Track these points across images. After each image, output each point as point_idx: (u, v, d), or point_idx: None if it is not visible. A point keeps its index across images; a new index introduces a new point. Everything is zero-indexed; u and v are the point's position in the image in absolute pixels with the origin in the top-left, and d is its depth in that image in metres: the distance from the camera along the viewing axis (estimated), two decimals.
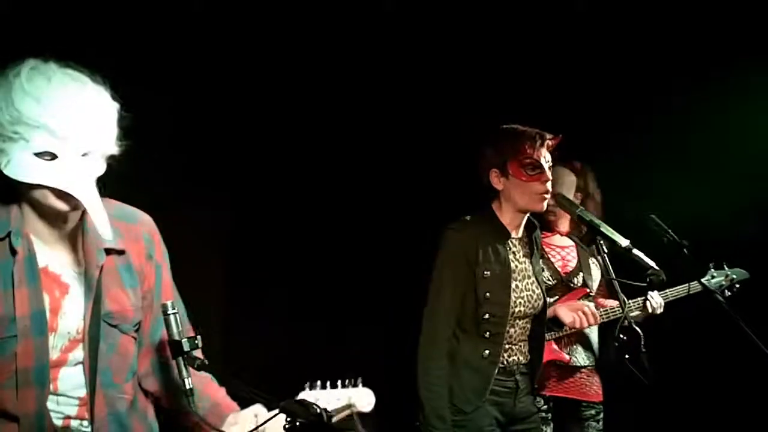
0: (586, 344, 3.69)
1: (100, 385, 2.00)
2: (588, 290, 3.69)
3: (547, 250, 3.71)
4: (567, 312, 3.44)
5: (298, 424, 1.91)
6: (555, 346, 3.58)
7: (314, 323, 4.12)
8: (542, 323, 3.18)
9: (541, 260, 3.67)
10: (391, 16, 4.08)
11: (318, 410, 1.97)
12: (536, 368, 3.15)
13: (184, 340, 1.97)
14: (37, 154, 1.86)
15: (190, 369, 1.97)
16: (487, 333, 3.00)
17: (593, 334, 3.71)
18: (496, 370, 3.02)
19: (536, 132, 3.01)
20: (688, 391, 4.20)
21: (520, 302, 3.04)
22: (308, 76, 4.01)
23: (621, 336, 3.32)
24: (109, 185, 2.00)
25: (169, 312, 2.00)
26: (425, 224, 3.33)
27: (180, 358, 1.98)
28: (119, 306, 2.05)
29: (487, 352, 3.00)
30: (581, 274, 3.70)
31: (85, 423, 2.00)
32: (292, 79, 3.99)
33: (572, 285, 3.68)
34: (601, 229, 3.00)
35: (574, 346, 3.65)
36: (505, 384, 3.05)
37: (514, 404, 3.07)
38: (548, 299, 3.61)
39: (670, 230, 3.59)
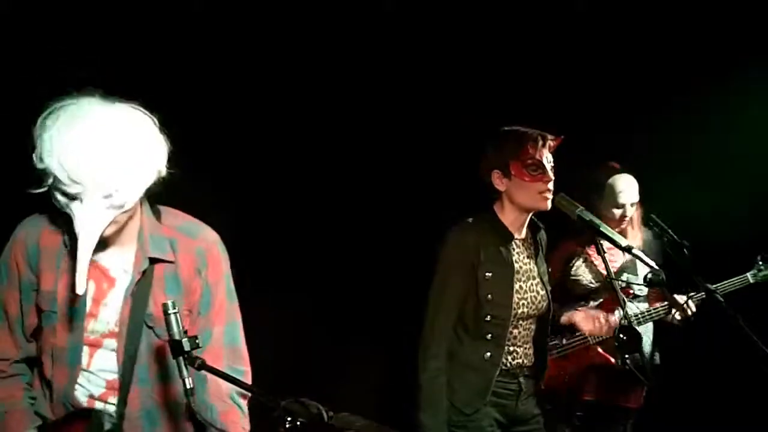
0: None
1: (136, 381, 2.16)
2: (632, 292, 3.68)
3: (590, 253, 3.70)
4: (585, 321, 3.42)
5: (298, 423, 1.91)
6: (601, 350, 3.57)
7: (315, 323, 4.12)
8: (546, 325, 3.18)
9: (583, 264, 3.68)
10: (391, 16, 4.08)
11: (318, 410, 1.97)
12: (542, 369, 3.15)
13: (185, 340, 1.99)
14: (63, 194, 2.00)
15: (223, 387, 2.09)
16: (489, 335, 3.00)
17: (647, 336, 3.68)
18: (498, 372, 3.02)
19: (538, 133, 3.01)
20: (690, 391, 4.21)
21: (523, 303, 3.03)
22: (309, 76, 4.01)
23: (621, 336, 3.32)
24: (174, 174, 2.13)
25: (169, 312, 2.02)
26: (427, 225, 3.33)
27: (180, 358, 1.98)
28: (158, 310, 2.12)
29: (488, 353, 3.00)
30: (625, 274, 3.68)
31: (110, 407, 2.15)
32: (292, 79, 3.99)
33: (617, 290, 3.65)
34: (601, 229, 3.00)
35: None
36: (507, 386, 3.05)
37: (516, 406, 3.07)
38: (591, 303, 3.63)
39: (670, 230, 3.59)
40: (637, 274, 3.69)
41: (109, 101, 2.08)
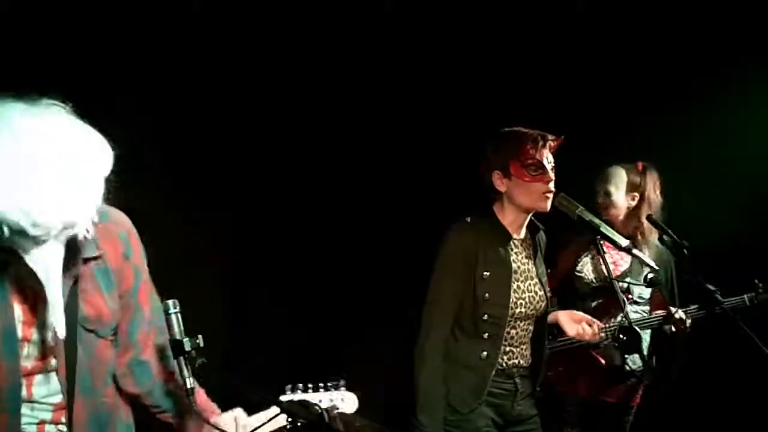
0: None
1: (80, 391, 1.97)
2: (631, 297, 3.67)
3: (605, 249, 3.70)
4: (570, 323, 3.39)
5: (298, 424, 1.91)
6: (593, 351, 3.58)
7: (315, 323, 4.12)
8: (544, 325, 3.17)
9: (591, 260, 3.67)
10: (391, 16, 4.08)
11: (318, 410, 1.97)
12: (538, 370, 3.15)
13: (186, 340, 1.97)
14: (12, 231, 1.78)
15: (172, 366, 1.96)
16: (486, 334, 3.00)
17: (645, 336, 3.68)
18: (494, 372, 3.01)
19: (538, 133, 3.01)
20: (690, 391, 4.21)
21: (520, 303, 3.03)
22: (309, 76, 4.01)
23: (621, 336, 3.32)
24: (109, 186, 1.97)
25: (170, 311, 2.00)
26: (426, 225, 3.33)
27: (181, 358, 1.97)
28: (96, 311, 2.00)
29: (485, 353, 3.00)
30: (628, 279, 3.67)
31: (62, 427, 1.98)
32: (292, 79, 3.99)
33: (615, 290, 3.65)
34: (602, 229, 3.00)
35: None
36: (503, 386, 3.05)
37: (512, 407, 3.07)
38: (591, 302, 3.63)
39: (669, 230, 3.59)
40: (640, 280, 3.69)
41: (33, 107, 1.83)
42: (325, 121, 4.08)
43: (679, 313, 3.56)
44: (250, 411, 2.23)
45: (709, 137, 4.26)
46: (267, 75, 3.95)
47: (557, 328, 3.48)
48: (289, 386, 2.08)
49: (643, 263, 3.03)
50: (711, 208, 4.17)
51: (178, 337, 1.98)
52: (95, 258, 1.99)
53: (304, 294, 4.06)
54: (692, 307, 3.62)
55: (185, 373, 1.97)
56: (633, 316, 3.64)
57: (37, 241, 1.81)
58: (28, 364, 1.93)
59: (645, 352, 3.67)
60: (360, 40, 4.07)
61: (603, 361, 3.62)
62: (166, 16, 3.61)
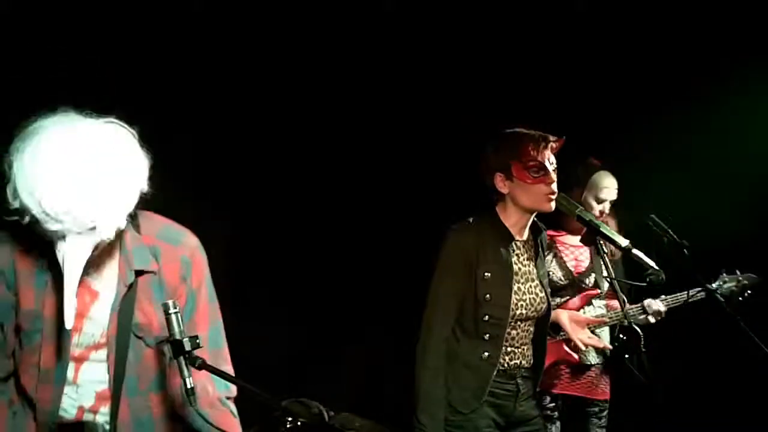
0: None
1: (126, 391, 2.12)
2: (599, 291, 3.69)
3: (560, 248, 3.72)
4: (569, 321, 3.43)
5: (299, 424, 1.91)
6: (566, 347, 3.58)
7: (315, 323, 4.12)
8: (545, 327, 3.17)
9: (554, 259, 3.68)
10: (391, 16, 4.08)
11: (319, 410, 1.97)
12: (539, 370, 3.15)
13: (186, 340, 1.99)
14: (40, 227, 1.93)
15: (213, 393, 2.07)
16: (487, 335, 3.00)
17: (604, 333, 3.71)
18: (495, 372, 3.01)
19: (539, 134, 3.00)
20: (691, 391, 4.21)
21: (521, 304, 3.03)
22: (309, 76, 4.01)
23: (621, 336, 3.33)
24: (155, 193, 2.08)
25: (170, 311, 2.02)
26: (428, 226, 3.33)
27: (181, 358, 1.98)
28: (147, 319, 2.14)
29: (486, 353, 3.00)
30: (593, 274, 3.70)
31: (99, 417, 2.12)
32: (292, 79, 3.99)
33: (584, 285, 3.68)
34: (601, 229, 3.00)
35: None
36: (504, 387, 3.04)
37: (514, 408, 3.06)
38: (559, 299, 3.63)
39: (669, 230, 3.59)
40: (603, 274, 3.71)
41: (81, 120, 1.98)
42: (325, 121, 4.08)
43: (658, 304, 3.60)
44: (250, 411, 2.24)
45: (709, 137, 4.26)
46: (267, 75, 3.95)
47: (552, 328, 3.50)
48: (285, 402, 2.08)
49: (643, 263, 3.02)
50: (711, 207, 4.17)
51: (178, 337, 2.00)
52: (151, 272, 2.15)
53: (304, 294, 4.06)
54: (664, 297, 3.64)
55: (185, 373, 1.99)
56: (597, 311, 3.66)
57: (60, 236, 1.93)
58: (77, 351, 2.11)
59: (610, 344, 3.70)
60: (360, 40, 4.07)
61: (576, 356, 3.63)
62: (166, 16, 3.61)
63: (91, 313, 2.10)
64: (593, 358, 3.69)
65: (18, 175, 1.90)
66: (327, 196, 4.12)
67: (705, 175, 4.28)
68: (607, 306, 3.75)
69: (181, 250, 2.21)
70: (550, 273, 3.75)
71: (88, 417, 2.12)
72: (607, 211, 3.80)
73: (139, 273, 2.13)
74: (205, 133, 3.83)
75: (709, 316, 3.52)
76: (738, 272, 3.78)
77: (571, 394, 3.70)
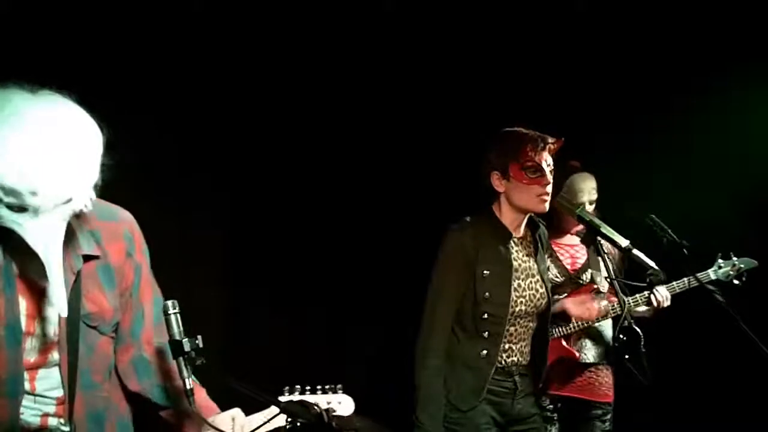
0: (599, 341, 3.69)
1: (80, 385, 2.02)
2: (596, 286, 3.69)
3: (555, 249, 3.72)
4: (575, 305, 3.46)
5: (298, 424, 1.91)
6: (564, 343, 3.58)
7: (315, 323, 4.12)
8: (546, 322, 3.18)
9: (549, 258, 3.69)
10: (391, 16, 4.08)
11: (318, 410, 1.97)
12: (540, 367, 3.15)
13: (185, 340, 1.98)
14: (9, 207, 1.83)
15: (172, 365, 1.99)
16: (486, 332, 3.00)
17: (606, 330, 3.70)
18: (493, 370, 3.02)
19: (538, 135, 3.01)
20: (691, 389, 4.21)
21: (521, 301, 3.03)
22: (309, 76, 4.01)
23: (621, 336, 3.32)
24: (108, 187, 1.99)
25: (170, 312, 2.01)
26: (427, 224, 3.33)
27: (181, 358, 1.98)
28: (98, 307, 2.05)
29: (485, 351, 3.01)
30: (590, 271, 3.71)
31: (63, 420, 2.02)
32: (292, 79, 3.99)
33: (581, 282, 3.68)
34: (601, 229, 3.00)
35: (584, 342, 3.66)
36: (502, 384, 3.05)
37: (512, 405, 3.07)
38: (557, 296, 3.63)
39: (669, 230, 3.59)
40: (600, 270, 3.70)
41: (35, 93, 1.89)
42: (325, 121, 4.08)
43: (663, 291, 3.60)
44: (250, 411, 2.24)
45: (709, 137, 4.26)
46: (267, 75, 3.95)
47: (560, 317, 3.51)
48: (287, 388, 2.08)
49: (643, 263, 3.02)
50: (711, 207, 4.17)
51: (177, 337, 1.99)
52: (97, 257, 2.04)
53: (304, 294, 4.06)
54: (676, 282, 3.64)
55: (185, 373, 1.99)
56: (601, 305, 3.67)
57: (36, 213, 1.83)
58: (31, 357, 1.97)
59: (609, 343, 3.69)
60: (360, 40, 4.07)
61: (577, 354, 3.63)
62: (166, 16, 3.61)
63: (42, 311, 1.97)
64: (592, 357, 3.69)
65: None
66: (327, 195, 4.12)
67: (705, 176, 4.28)
68: (608, 301, 3.74)
69: (122, 225, 2.12)
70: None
71: (52, 422, 2.01)
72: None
73: (86, 258, 2.02)
74: (205, 133, 3.83)
75: (709, 317, 3.53)
76: (734, 256, 3.77)
77: (572, 396, 3.69)
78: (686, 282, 3.63)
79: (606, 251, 3.12)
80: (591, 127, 4.16)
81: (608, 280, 3.43)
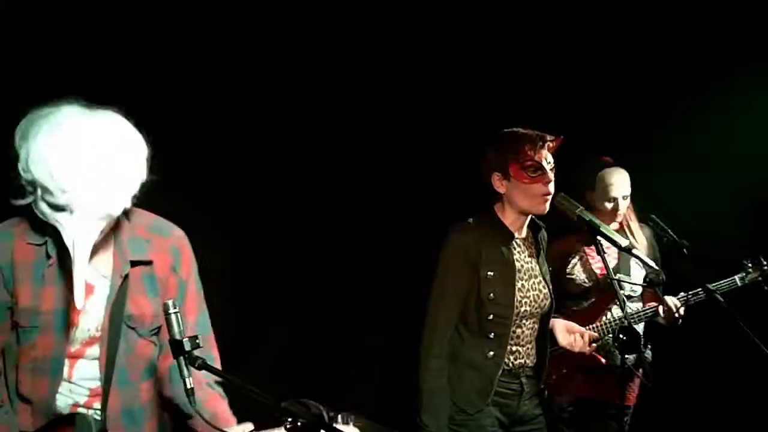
0: None
1: (117, 381, 2.17)
2: (609, 305, 3.68)
3: (587, 251, 3.70)
4: (564, 333, 3.37)
5: (299, 424, 1.91)
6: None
7: (315, 323, 4.12)
8: (548, 323, 3.17)
9: (579, 262, 3.69)
10: (391, 16, 4.08)
11: (319, 411, 1.97)
12: (543, 369, 3.15)
13: (185, 340, 1.99)
14: (50, 205, 2.01)
15: (198, 374, 2.04)
16: (492, 334, 3.00)
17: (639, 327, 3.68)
18: (500, 372, 3.01)
19: (536, 134, 3.00)
20: (692, 392, 4.22)
21: (525, 302, 3.03)
22: (309, 76, 4.01)
23: (621, 336, 3.32)
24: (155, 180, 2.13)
25: (170, 311, 2.02)
26: (429, 225, 3.33)
27: (181, 358, 1.99)
28: (139, 311, 2.20)
29: (491, 353, 3.00)
30: (618, 274, 3.67)
31: (91, 412, 2.17)
32: (292, 79, 3.99)
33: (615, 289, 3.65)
34: (601, 229, 3.00)
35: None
36: (509, 386, 3.05)
37: (518, 406, 3.07)
38: (584, 302, 3.63)
39: (669, 230, 3.59)
40: (629, 275, 3.69)
41: (89, 109, 2.09)
42: (325, 121, 4.08)
43: (672, 300, 3.57)
44: (250, 411, 2.24)
45: (709, 137, 4.26)
46: (267, 75, 3.95)
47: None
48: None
49: (642, 263, 3.02)
50: (711, 207, 4.17)
51: (177, 337, 2.00)
52: (145, 263, 2.22)
53: (304, 294, 4.06)
54: (683, 295, 3.62)
55: (185, 373, 2.00)
56: (628, 311, 3.65)
57: (71, 211, 2.00)
58: (72, 347, 2.15)
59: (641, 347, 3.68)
60: (360, 40, 4.07)
61: (603, 360, 3.63)
62: (166, 16, 3.61)
63: (87, 306, 2.13)
64: (629, 361, 3.66)
65: (32, 147, 1.98)
66: (327, 196, 4.12)
67: (705, 176, 4.28)
68: (644, 305, 3.72)
69: (170, 241, 2.29)
70: (574, 276, 3.75)
71: (81, 411, 2.16)
72: (621, 209, 3.75)
73: (134, 264, 2.19)
74: (205, 133, 3.83)
75: (710, 318, 3.53)
76: (764, 260, 3.66)
77: (595, 398, 3.67)
78: (700, 293, 3.56)
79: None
80: (591, 127, 4.16)
81: (608, 280, 3.43)
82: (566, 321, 3.40)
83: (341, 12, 3.99)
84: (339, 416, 2.05)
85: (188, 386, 2.00)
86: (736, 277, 3.62)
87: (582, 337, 3.33)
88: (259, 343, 3.97)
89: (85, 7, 3.38)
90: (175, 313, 2.02)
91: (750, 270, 3.65)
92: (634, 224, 3.81)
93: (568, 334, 3.34)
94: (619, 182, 3.75)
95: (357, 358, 4.24)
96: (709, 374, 4.31)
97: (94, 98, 2.16)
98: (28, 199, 2.02)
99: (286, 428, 1.94)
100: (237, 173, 3.94)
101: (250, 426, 2.17)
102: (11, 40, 3.25)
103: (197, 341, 2.01)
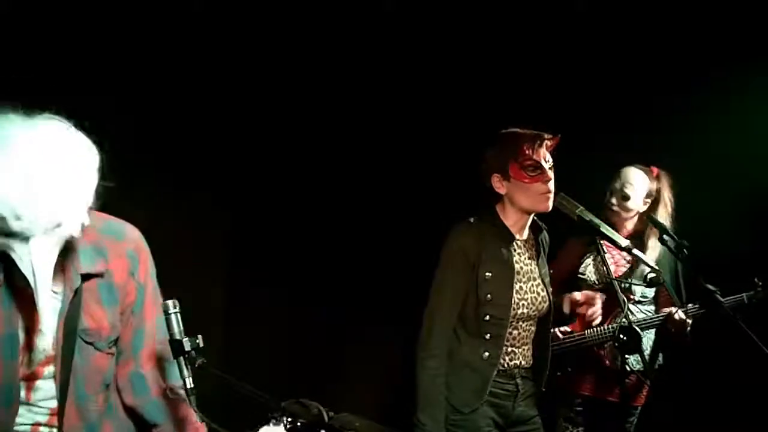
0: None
1: (73, 396, 2.06)
2: (632, 297, 3.67)
3: (606, 249, 3.69)
4: (567, 303, 3.44)
5: (298, 424, 1.91)
6: (597, 351, 3.59)
7: (315, 323, 4.12)
8: (548, 326, 3.17)
9: (592, 262, 3.68)
10: (391, 16, 4.08)
11: (318, 410, 1.97)
12: (543, 370, 3.15)
13: (186, 340, 1.99)
14: (1, 232, 1.84)
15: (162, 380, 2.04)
16: (488, 334, 3.00)
17: (645, 339, 3.67)
18: (495, 372, 3.01)
19: (535, 133, 3.01)
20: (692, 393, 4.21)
21: (523, 304, 3.03)
22: (309, 76, 4.01)
23: (621, 336, 3.32)
24: (109, 188, 2.01)
25: (170, 311, 2.01)
26: (429, 225, 3.33)
27: (181, 358, 1.99)
28: (96, 323, 2.08)
29: (486, 353, 3.00)
30: (630, 279, 3.67)
31: (54, 431, 2.06)
32: (292, 79, 3.99)
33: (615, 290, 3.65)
34: (602, 229, 3.00)
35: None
36: (504, 386, 3.05)
37: (514, 407, 3.07)
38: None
39: (669, 230, 3.59)
40: (641, 279, 3.69)
41: (29, 118, 1.91)
42: (325, 121, 4.08)
43: (679, 314, 3.56)
44: (250, 411, 2.24)
45: (709, 137, 4.26)
46: (267, 75, 3.95)
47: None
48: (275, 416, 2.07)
49: (642, 263, 3.02)
50: (711, 207, 4.17)
51: (177, 337, 2.00)
52: (98, 275, 2.07)
53: (304, 294, 4.06)
54: (691, 306, 3.62)
55: (185, 373, 1.99)
56: (638, 316, 3.64)
57: (25, 238, 1.85)
58: (28, 369, 2.02)
59: (648, 352, 3.67)
60: (360, 40, 4.07)
61: (607, 362, 3.63)
62: (166, 16, 3.61)
63: (41, 325, 1.98)
64: (632, 364, 3.66)
65: None
66: (327, 197, 4.12)
67: (705, 176, 4.27)
68: (658, 311, 3.73)
69: (126, 244, 2.14)
70: (586, 276, 3.75)
71: (43, 431, 2.07)
72: (631, 208, 3.76)
73: (85, 277, 2.05)
74: (205, 133, 3.83)
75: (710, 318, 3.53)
76: None
77: (601, 398, 3.68)
78: (699, 309, 3.57)
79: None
80: (591, 127, 4.16)
81: (608, 280, 3.43)
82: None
83: (341, 12, 3.99)
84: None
85: (188, 386, 1.99)
86: (744, 294, 3.61)
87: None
88: (259, 343, 3.97)
89: (85, 7, 3.38)
90: (174, 313, 2.01)
91: (759, 289, 3.63)
92: (653, 240, 3.78)
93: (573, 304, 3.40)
94: (628, 179, 3.75)
95: (357, 358, 4.24)
96: (709, 374, 4.31)
97: (94, 98, 2.15)
98: None
99: (286, 428, 1.94)
100: (237, 173, 3.94)
101: None
102: (11, 40, 3.24)
103: (197, 341, 2.00)
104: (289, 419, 1.96)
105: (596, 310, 3.55)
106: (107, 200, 2.08)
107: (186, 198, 3.76)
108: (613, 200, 3.76)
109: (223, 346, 3.75)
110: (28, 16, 3.29)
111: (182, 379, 1.99)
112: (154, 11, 3.57)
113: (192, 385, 2.00)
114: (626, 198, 3.75)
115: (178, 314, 2.02)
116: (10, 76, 3.11)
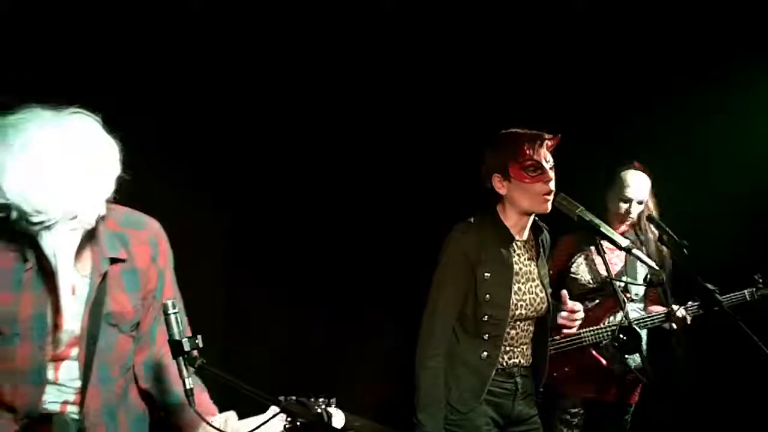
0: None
1: (97, 379, 2.14)
2: (629, 296, 3.68)
3: (593, 251, 3.70)
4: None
5: (298, 424, 1.91)
6: (594, 352, 3.59)
7: (315, 323, 4.12)
8: (547, 326, 3.17)
9: (584, 262, 3.68)
10: (391, 16, 4.08)
11: (318, 410, 1.97)
12: (541, 371, 3.15)
13: (185, 340, 2.00)
14: (27, 222, 2.00)
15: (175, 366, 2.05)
16: (487, 335, 3.00)
17: (643, 335, 3.69)
18: (494, 372, 3.02)
19: (535, 133, 3.00)
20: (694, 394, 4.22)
21: (521, 304, 3.03)
22: (308, 76, 4.01)
23: (621, 336, 3.33)
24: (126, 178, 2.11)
25: (169, 312, 2.02)
26: (429, 225, 3.33)
27: (180, 358, 1.99)
28: (120, 307, 2.18)
29: (485, 353, 3.00)
30: (625, 277, 3.68)
31: (76, 410, 2.14)
32: (292, 79, 3.99)
33: (615, 290, 3.65)
34: (602, 229, 3.00)
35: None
36: (503, 386, 3.05)
37: (512, 406, 3.07)
38: (588, 303, 3.63)
39: (669, 230, 3.59)
40: (636, 278, 3.69)
41: (50, 113, 2.05)
42: (325, 121, 4.08)
43: (681, 311, 3.57)
44: (250, 411, 2.24)
45: (710, 137, 4.26)
46: (267, 75, 3.95)
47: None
48: (282, 398, 2.08)
49: (643, 263, 3.03)
50: (710, 207, 4.17)
51: (177, 337, 2.01)
52: (122, 260, 2.19)
53: (304, 294, 4.06)
54: (692, 304, 3.62)
55: (184, 373, 2.00)
56: (632, 314, 3.65)
57: (47, 227, 2.00)
58: (57, 350, 2.12)
59: (644, 351, 3.68)
60: (360, 40, 4.07)
61: (604, 362, 3.63)
62: (166, 16, 3.61)
63: (68, 307, 2.10)
64: (632, 362, 3.68)
65: (1, 171, 1.97)
66: (327, 197, 4.12)
67: (705, 175, 4.28)
68: (647, 311, 3.74)
69: (147, 232, 2.28)
70: (578, 275, 3.76)
71: (71, 409, 2.14)
72: (633, 213, 3.77)
73: (113, 261, 2.17)
74: (205, 132, 3.83)
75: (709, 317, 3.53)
76: None
77: (599, 400, 3.69)
78: (699, 307, 3.59)
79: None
80: (591, 127, 4.16)
81: (608, 280, 3.43)
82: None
83: (341, 12, 3.99)
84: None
85: (188, 386, 2.00)
86: (745, 291, 3.62)
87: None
88: (259, 343, 3.97)
89: (85, 7, 3.38)
90: (174, 313, 2.02)
91: (761, 286, 3.65)
92: (649, 235, 3.79)
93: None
94: (637, 185, 3.76)
95: (357, 357, 4.24)
96: (709, 375, 4.31)
97: (94, 98, 2.15)
98: (9, 214, 2.00)
99: (285, 428, 1.95)
100: (237, 173, 3.94)
101: (232, 415, 2.18)
102: (11, 40, 3.25)
103: (197, 341, 2.01)
104: (289, 419, 1.96)
105: (574, 325, 3.52)
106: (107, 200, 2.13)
107: (186, 198, 3.76)
108: (624, 206, 3.76)
109: (223, 346, 3.75)
110: (28, 16, 3.29)
111: (181, 379, 2.00)
112: (154, 11, 3.57)
113: (191, 385, 2.01)
114: (640, 202, 3.76)
115: (178, 315, 2.03)
116: (10, 76, 3.12)
